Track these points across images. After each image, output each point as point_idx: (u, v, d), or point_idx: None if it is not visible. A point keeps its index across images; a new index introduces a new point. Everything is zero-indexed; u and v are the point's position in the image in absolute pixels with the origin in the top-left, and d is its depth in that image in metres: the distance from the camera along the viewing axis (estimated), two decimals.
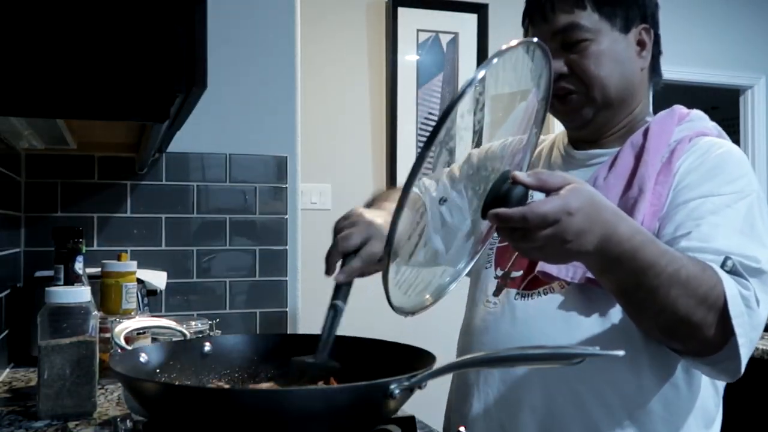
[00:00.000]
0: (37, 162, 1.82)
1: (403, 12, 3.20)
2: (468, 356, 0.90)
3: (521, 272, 1.18)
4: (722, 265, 0.98)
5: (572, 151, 1.25)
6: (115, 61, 0.82)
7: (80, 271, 1.47)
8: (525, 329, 1.12)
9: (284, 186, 2.01)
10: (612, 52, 1.14)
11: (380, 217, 1.09)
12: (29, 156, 1.82)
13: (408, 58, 3.22)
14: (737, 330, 0.94)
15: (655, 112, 1.23)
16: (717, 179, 1.07)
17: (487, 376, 1.16)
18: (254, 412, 0.82)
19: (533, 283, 1.15)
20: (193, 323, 1.49)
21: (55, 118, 1.23)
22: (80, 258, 1.47)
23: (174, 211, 1.92)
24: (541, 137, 1.35)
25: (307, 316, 2.06)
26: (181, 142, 1.76)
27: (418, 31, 3.23)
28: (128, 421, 1.05)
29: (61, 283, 1.44)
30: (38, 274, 1.67)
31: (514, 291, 1.17)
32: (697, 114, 1.21)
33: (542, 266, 1.11)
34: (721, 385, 1.14)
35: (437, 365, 0.89)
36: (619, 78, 1.15)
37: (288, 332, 1.94)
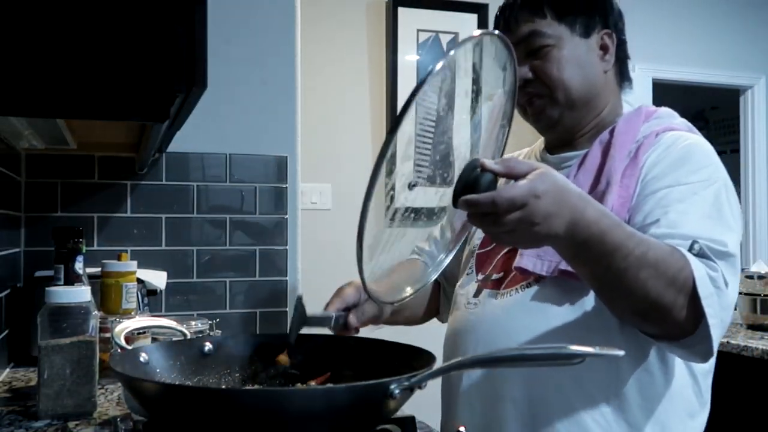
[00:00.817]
0: (37, 162, 1.82)
1: (403, 12, 3.20)
2: (468, 356, 0.91)
3: (501, 274, 1.21)
4: (690, 249, 1.00)
5: (546, 156, 1.30)
6: (115, 61, 0.82)
7: (80, 271, 1.47)
8: (507, 324, 1.15)
9: (284, 186, 2.01)
10: (573, 56, 1.19)
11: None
12: (29, 156, 1.82)
13: (408, 58, 3.22)
14: (707, 310, 0.96)
15: None
16: (683, 169, 1.10)
17: (470, 370, 1.18)
18: (254, 412, 0.82)
19: (511, 282, 1.18)
20: (193, 323, 1.49)
21: (55, 118, 1.24)
22: (80, 258, 1.47)
23: (174, 211, 1.92)
24: (520, 150, 1.40)
25: None
26: (181, 142, 1.76)
27: (418, 31, 3.23)
28: (128, 421, 1.05)
29: (61, 283, 1.44)
30: (38, 274, 1.67)
31: (493, 291, 1.20)
32: (666, 111, 1.24)
33: (518, 262, 1.14)
34: (701, 374, 1.15)
35: (437, 365, 0.89)
36: (581, 80, 1.20)
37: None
